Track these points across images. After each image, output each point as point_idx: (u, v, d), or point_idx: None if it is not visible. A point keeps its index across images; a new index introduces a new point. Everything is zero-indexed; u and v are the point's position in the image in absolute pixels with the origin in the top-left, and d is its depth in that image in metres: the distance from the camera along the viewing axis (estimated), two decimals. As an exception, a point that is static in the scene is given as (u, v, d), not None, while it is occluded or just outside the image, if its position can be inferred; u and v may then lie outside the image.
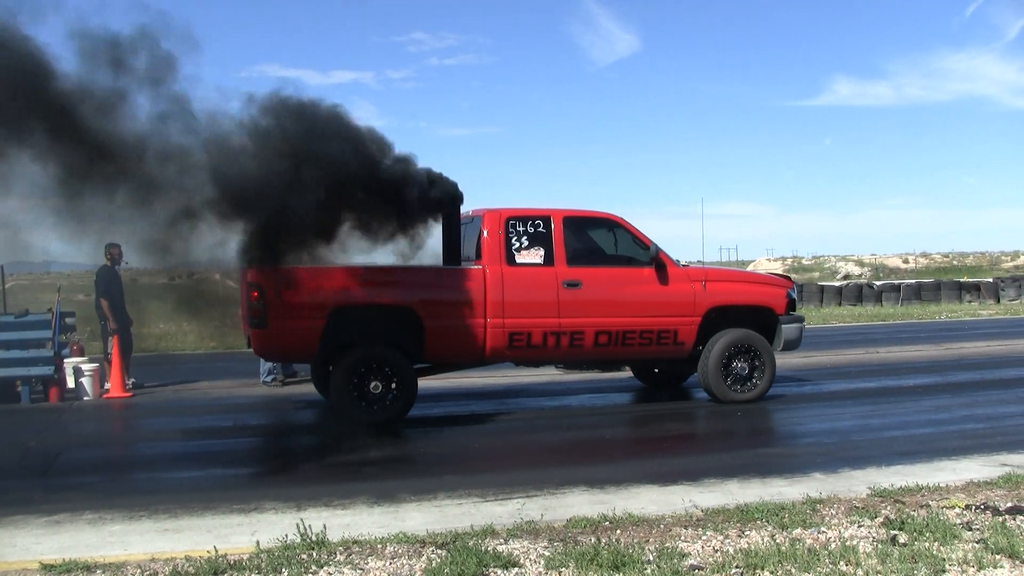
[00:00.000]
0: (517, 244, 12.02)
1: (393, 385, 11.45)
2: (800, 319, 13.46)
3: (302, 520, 6.56)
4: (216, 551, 6.03)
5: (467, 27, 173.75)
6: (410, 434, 11.36)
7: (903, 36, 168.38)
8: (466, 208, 12.54)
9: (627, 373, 15.81)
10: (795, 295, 13.72)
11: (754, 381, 12.85)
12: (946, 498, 7.31)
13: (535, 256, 12.07)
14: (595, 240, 12.78)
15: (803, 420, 12.13)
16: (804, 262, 74.54)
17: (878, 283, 43.47)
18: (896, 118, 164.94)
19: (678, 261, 12.98)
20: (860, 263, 72.74)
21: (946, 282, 43.10)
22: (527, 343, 11.96)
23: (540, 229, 12.16)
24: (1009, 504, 7.04)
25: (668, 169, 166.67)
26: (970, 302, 39.49)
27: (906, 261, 76.51)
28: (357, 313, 11.48)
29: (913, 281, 44.63)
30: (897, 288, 40.86)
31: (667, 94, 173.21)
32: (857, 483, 8.06)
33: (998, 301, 39.73)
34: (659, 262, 12.47)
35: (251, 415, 13.15)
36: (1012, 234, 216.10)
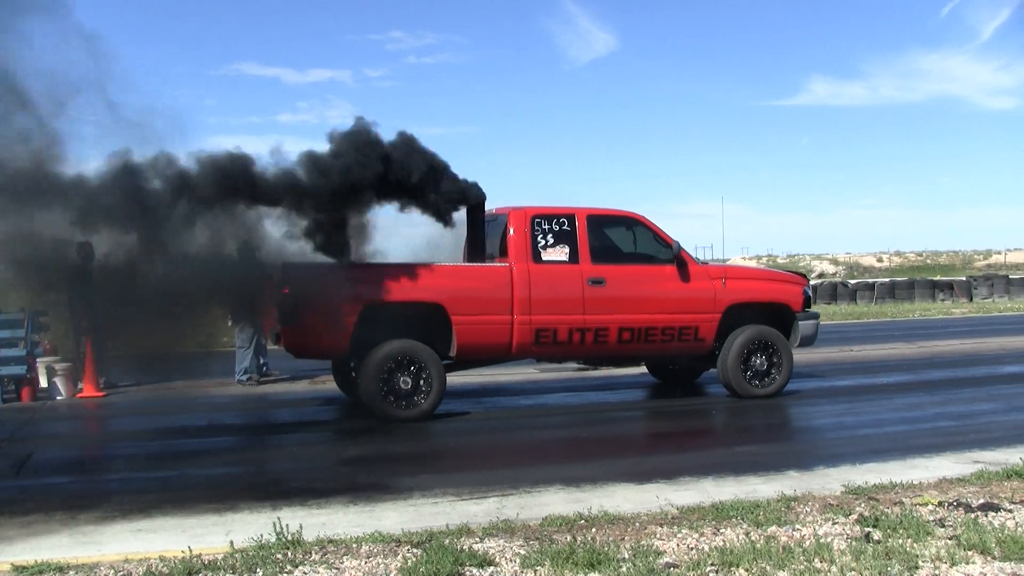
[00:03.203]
0: (543, 242, 12.15)
1: (422, 381, 11.54)
2: (816, 316, 13.66)
3: (277, 519, 6.52)
4: (190, 551, 5.99)
5: (445, 26, 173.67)
6: (384, 433, 11.33)
7: (879, 36, 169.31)
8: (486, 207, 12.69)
9: (601, 372, 15.89)
10: (810, 292, 13.87)
11: (772, 376, 13.01)
12: (919, 495, 7.34)
13: (560, 254, 12.19)
14: (618, 238, 12.94)
15: (778, 418, 12.19)
16: (779, 261, 74.85)
17: (852, 282, 43.68)
18: (871, 118, 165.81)
19: (698, 259, 13.12)
20: (835, 262, 73.14)
21: (920, 281, 43.33)
22: (553, 340, 12.09)
23: (565, 227, 12.28)
24: (981, 501, 7.09)
25: (644, 168, 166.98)
26: (943, 301, 39.71)
27: (880, 260, 76.96)
28: (388, 310, 11.53)
29: (887, 280, 44.85)
30: (871, 287, 41.07)
31: (644, 93, 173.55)
32: (832, 481, 8.10)
33: (971, 300, 39.98)
34: (680, 260, 12.65)
35: (226, 414, 13.09)
36: (985, 234, 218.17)
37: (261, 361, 15.72)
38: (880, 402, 12.94)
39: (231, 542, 6.28)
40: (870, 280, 45.86)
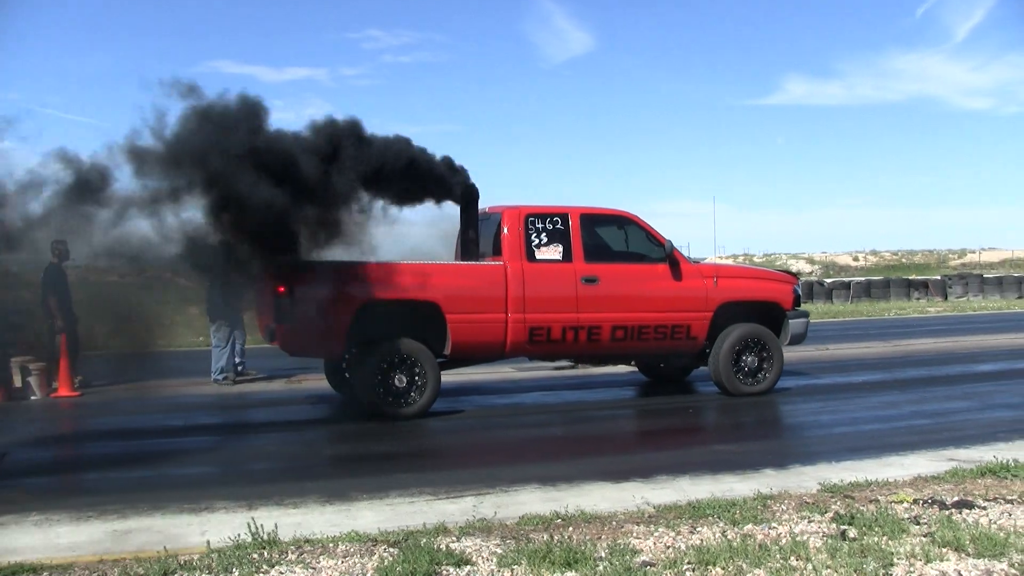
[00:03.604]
0: (536, 241, 12.24)
1: (418, 379, 11.60)
2: (806, 314, 13.80)
3: (253, 519, 6.51)
4: (166, 551, 5.98)
5: (422, 24, 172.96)
6: (361, 432, 11.32)
7: (855, 36, 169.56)
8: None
9: (578, 371, 15.93)
10: (800, 291, 14.04)
11: (763, 374, 13.14)
12: (894, 493, 7.38)
13: (554, 252, 12.28)
14: (611, 237, 13.02)
15: (754, 417, 12.21)
16: (755, 259, 74.94)
17: (828, 281, 43.83)
18: (848, 117, 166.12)
19: (690, 258, 13.27)
20: (811, 261, 73.29)
21: (895, 280, 43.53)
22: (547, 338, 12.18)
23: (558, 226, 12.38)
24: (955, 498, 7.13)
25: (621, 166, 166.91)
26: (919, 299, 39.94)
27: (856, 259, 77.18)
28: (384, 308, 11.59)
29: (863, 279, 45.03)
30: (847, 286, 41.23)
31: (620, 92, 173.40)
32: (807, 479, 8.13)
33: (946, 298, 40.22)
34: (673, 259, 12.76)
35: (202, 414, 13.02)
36: (960, 233, 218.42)
37: (237, 360, 15.65)
38: (856, 400, 13.01)
39: (207, 542, 6.26)
40: (846, 279, 46.01)
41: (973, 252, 79.31)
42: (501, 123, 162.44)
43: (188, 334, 20.65)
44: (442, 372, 12.01)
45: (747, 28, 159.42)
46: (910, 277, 45.84)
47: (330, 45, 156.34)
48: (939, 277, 45.18)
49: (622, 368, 15.66)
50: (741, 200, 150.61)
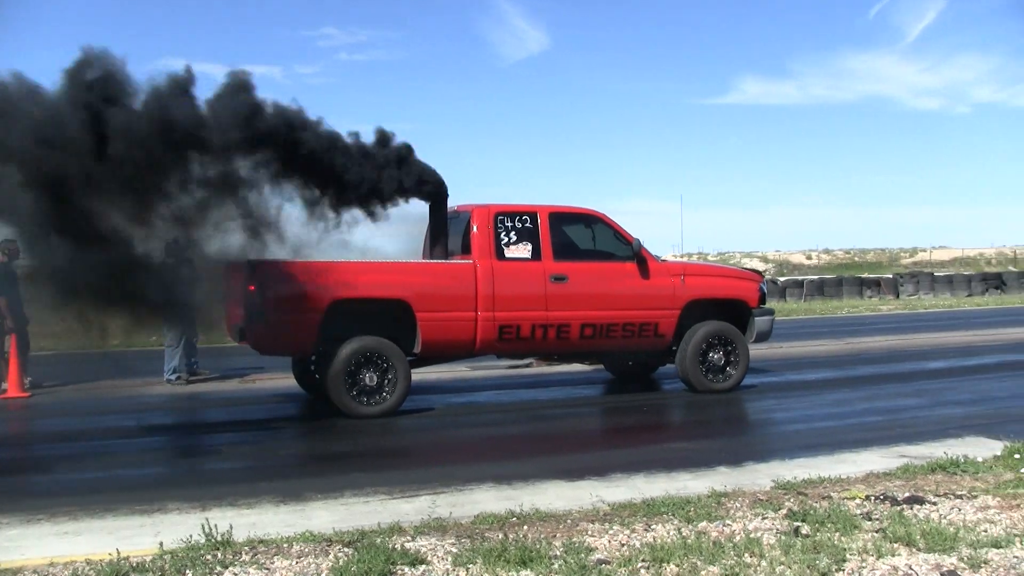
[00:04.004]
0: (506, 239, 12.29)
1: (388, 377, 11.61)
2: (771, 312, 13.95)
3: (207, 520, 6.44)
4: (118, 553, 5.90)
5: (377, 23, 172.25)
6: (315, 432, 11.29)
7: (809, 36, 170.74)
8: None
9: (532, 370, 15.96)
10: (766, 289, 14.20)
11: (729, 371, 13.24)
12: (847, 489, 7.44)
13: (523, 251, 12.34)
14: (579, 235, 13.11)
15: (707, 415, 12.28)
16: (710, 258, 75.35)
17: (782, 279, 44.20)
18: (802, 117, 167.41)
19: (658, 256, 13.36)
20: (765, 259, 73.83)
21: (848, 278, 43.93)
22: (516, 336, 12.24)
23: (527, 224, 12.43)
24: (907, 494, 7.20)
25: (576, 165, 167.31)
26: (871, 298, 40.32)
27: (809, 257, 77.86)
28: (354, 306, 11.59)
29: (816, 277, 45.46)
30: (800, 284, 41.58)
31: (576, 91, 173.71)
32: (761, 476, 8.18)
33: (897, 297, 40.63)
34: (640, 257, 12.85)
35: (155, 414, 12.88)
36: (911, 232, 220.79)
37: (191, 360, 15.52)
38: (809, 398, 13.12)
39: (160, 543, 6.18)
40: (799, 277, 46.44)
41: (924, 251, 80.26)
42: (457, 122, 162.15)
43: (140, 334, 20.44)
44: (412, 370, 12.02)
45: (702, 28, 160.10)
46: (862, 276, 46.28)
47: (285, 43, 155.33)
48: (891, 276, 45.63)
49: (577, 366, 15.70)
50: (696, 199, 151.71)
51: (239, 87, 11.00)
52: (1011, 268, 57.44)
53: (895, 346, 19.86)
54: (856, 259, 77.89)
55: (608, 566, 5.61)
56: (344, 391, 11.44)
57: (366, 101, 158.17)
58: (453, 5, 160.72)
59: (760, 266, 69.29)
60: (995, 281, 43.26)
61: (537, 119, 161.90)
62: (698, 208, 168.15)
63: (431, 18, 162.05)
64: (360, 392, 11.53)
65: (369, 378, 11.53)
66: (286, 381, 14.49)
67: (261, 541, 6.26)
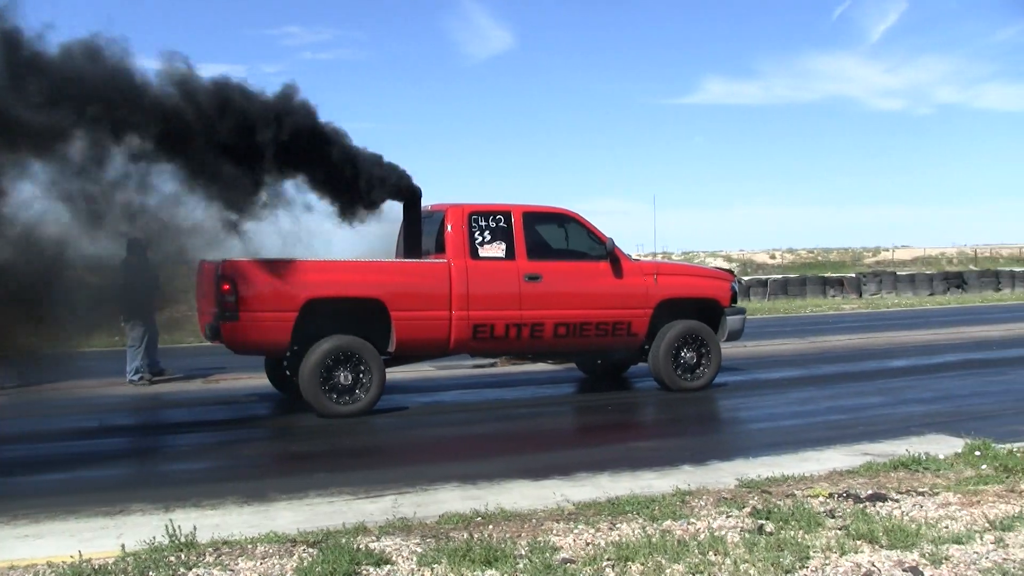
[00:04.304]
0: (480, 239, 12.31)
1: (362, 377, 11.59)
2: (742, 311, 14.07)
3: (170, 521, 6.39)
4: (80, 556, 5.85)
5: (341, 21, 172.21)
6: (279, 433, 11.25)
7: (772, 37, 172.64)
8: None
9: (498, 369, 15.97)
10: (737, 288, 14.30)
11: (702, 369, 13.31)
12: (810, 487, 7.48)
13: (497, 250, 12.37)
14: (553, 235, 13.15)
15: (672, 414, 12.33)
16: (674, 257, 75.58)
17: (746, 278, 44.32)
18: (766, 117, 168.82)
19: (630, 256, 13.46)
20: (728, 259, 74.14)
21: (811, 278, 44.09)
22: (490, 335, 12.28)
23: (501, 224, 12.46)
24: (869, 491, 7.24)
25: (541, 164, 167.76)
26: (834, 297, 40.52)
27: (773, 257, 78.32)
28: (329, 305, 11.59)
29: (780, 276, 45.61)
30: (764, 283, 41.73)
31: (540, 90, 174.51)
32: (725, 475, 8.21)
33: (860, 296, 40.87)
34: (614, 256, 12.91)
35: (117, 415, 12.78)
36: (874, 231, 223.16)
37: (153, 359, 15.40)
38: (773, 397, 13.18)
39: (122, 545, 6.14)
40: (763, 277, 46.60)
41: (887, 250, 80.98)
42: (422, 121, 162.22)
43: (103, 333, 20.27)
44: (387, 369, 12.02)
45: (666, 28, 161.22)
46: (826, 275, 46.47)
47: (248, 41, 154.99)
48: (854, 275, 45.86)
49: (542, 366, 15.72)
50: (661, 198, 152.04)
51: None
52: (972, 267, 57.94)
53: (858, 345, 19.98)
54: (819, 258, 78.45)
55: (573, 565, 5.61)
56: (318, 390, 11.41)
57: (331, 100, 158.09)
58: (417, 4, 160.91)
59: (724, 266, 69.61)
60: (956, 280, 43.60)
61: (504, 119, 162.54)
62: (663, 207, 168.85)
63: (395, 17, 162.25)
64: (335, 391, 11.51)
65: (344, 377, 11.52)
66: (250, 381, 14.46)
67: (225, 542, 6.22)
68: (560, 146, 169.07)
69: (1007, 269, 49.49)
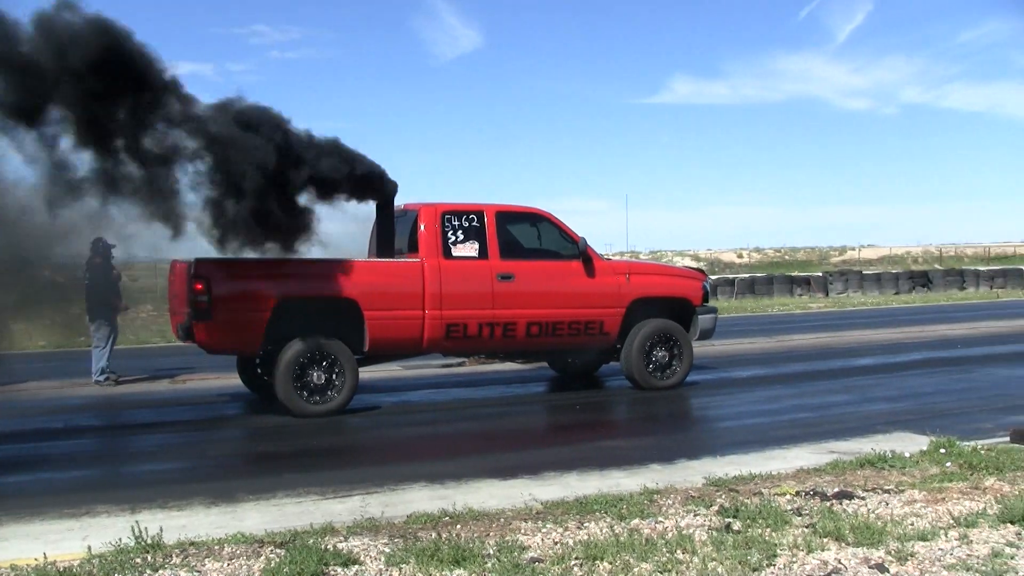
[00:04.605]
0: (453, 238, 12.33)
1: (335, 376, 11.59)
2: (714, 310, 14.17)
3: (136, 523, 6.35)
4: (45, 558, 5.80)
5: (309, 20, 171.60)
6: (247, 433, 11.20)
7: (740, 37, 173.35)
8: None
9: (466, 368, 15.98)
10: (708, 287, 14.38)
11: (673, 368, 13.36)
12: (778, 485, 7.51)
13: (470, 249, 12.39)
14: (525, 234, 13.19)
15: (640, 412, 12.38)
16: (642, 256, 75.81)
17: (713, 278, 44.43)
18: (733, 117, 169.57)
19: (603, 255, 13.50)
20: (696, 258, 74.38)
21: (778, 277, 44.28)
22: (464, 334, 12.31)
23: (474, 223, 12.49)
24: (836, 489, 7.29)
25: (510, 164, 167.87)
26: (801, 296, 40.75)
27: (740, 256, 78.64)
28: (302, 305, 11.59)
29: (747, 276, 45.85)
30: (731, 282, 41.91)
31: (509, 89, 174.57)
32: (693, 473, 8.24)
33: (827, 295, 41.12)
34: (586, 256, 12.95)
35: (83, 416, 12.67)
36: (840, 231, 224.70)
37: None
38: (740, 395, 13.25)
39: (88, 547, 6.10)
40: (730, 276, 46.81)
41: (853, 249, 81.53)
42: (392, 120, 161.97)
43: (69, 334, 20.12)
44: (360, 369, 12.02)
45: (634, 28, 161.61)
46: (793, 274, 46.73)
47: (216, 40, 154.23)
48: (821, 274, 46.17)
49: (510, 365, 15.73)
50: (630, 198, 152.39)
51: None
52: (937, 266, 58.48)
53: (825, 343, 20.09)
54: (787, 258, 78.82)
55: (541, 564, 5.61)
56: (292, 390, 11.40)
57: (298, 99, 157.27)
58: (386, 4, 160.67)
59: (692, 265, 69.86)
60: (922, 279, 43.98)
61: (474, 118, 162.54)
62: (631, 207, 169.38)
63: (364, 16, 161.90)
64: (308, 391, 11.49)
65: (317, 377, 11.51)
66: (217, 381, 14.40)
67: (192, 543, 6.19)
68: (530, 145, 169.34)
69: (972, 268, 49.93)
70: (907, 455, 8.45)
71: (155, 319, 20.95)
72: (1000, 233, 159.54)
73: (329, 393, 11.58)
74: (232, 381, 13.59)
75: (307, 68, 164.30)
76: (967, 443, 8.74)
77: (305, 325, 11.58)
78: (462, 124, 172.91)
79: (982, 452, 8.37)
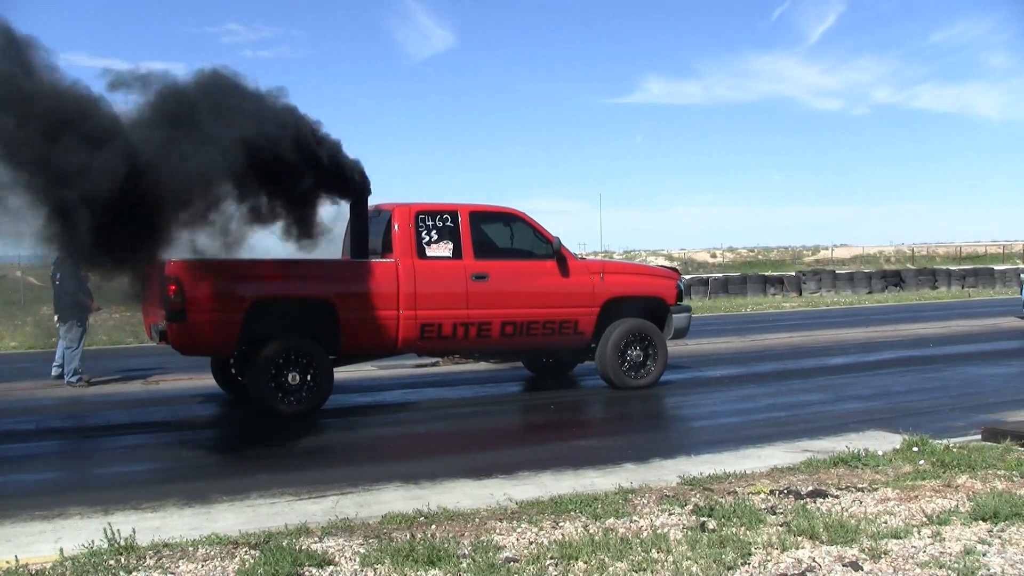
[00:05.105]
0: (427, 238, 12.33)
1: (310, 376, 11.56)
2: (688, 309, 14.18)
3: (109, 525, 6.30)
4: (16, 561, 5.76)
5: (282, 19, 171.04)
6: (221, 433, 11.16)
7: (713, 37, 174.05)
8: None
9: (439, 368, 15.96)
10: (683, 286, 14.39)
11: (648, 367, 13.40)
12: (752, 484, 7.53)
13: (444, 250, 12.39)
14: (499, 234, 13.20)
15: (614, 412, 12.39)
16: (615, 256, 75.93)
17: (687, 277, 44.57)
18: (706, 117, 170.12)
19: (576, 255, 13.53)
20: (670, 258, 74.54)
21: (752, 276, 44.40)
22: (438, 334, 12.31)
23: (448, 223, 12.48)
24: (810, 488, 7.31)
25: (483, 164, 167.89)
26: (774, 295, 40.90)
27: (714, 256, 78.92)
28: (276, 306, 11.56)
29: (721, 275, 45.98)
30: (705, 282, 42.01)
31: (482, 90, 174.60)
32: (668, 472, 8.25)
33: (800, 294, 41.28)
34: (560, 255, 12.98)
35: (55, 417, 12.56)
36: (813, 230, 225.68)
37: (56, 363, 15.12)
38: (714, 395, 13.27)
39: (60, 550, 6.06)
40: (704, 275, 46.93)
41: (826, 249, 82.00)
42: (364, 120, 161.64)
43: (40, 335, 19.99)
44: (335, 369, 12.01)
45: (607, 28, 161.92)
46: (766, 274, 46.88)
47: (188, 39, 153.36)
48: (794, 274, 46.33)
49: (484, 365, 15.74)
50: (603, 197, 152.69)
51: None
52: (909, 266, 58.89)
53: (798, 343, 20.16)
54: (760, 257, 79.17)
55: (516, 564, 5.61)
56: (267, 390, 11.37)
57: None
58: (358, 3, 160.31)
59: (666, 264, 69.98)
60: (894, 279, 44.22)
61: (447, 118, 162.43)
62: (605, 206, 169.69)
63: (336, 16, 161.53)
64: (282, 391, 11.46)
65: (292, 377, 11.47)
66: (190, 382, 14.33)
67: (166, 545, 6.16)
68: (504, 145, 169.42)
69: (944, 268, 50.31)
70: (880, 453, 8.50)
71: (128, 320, 20.83)
72: (971, 233, 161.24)
73: (303, 393, 11.54)
74: (206, 381, 13.53)
75: (280, 67, 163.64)
76: (939, 441, 8.80)
77: (279, 326, 11.56)
78: (435, 124, 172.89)
79: (954, 450, 8.43)
